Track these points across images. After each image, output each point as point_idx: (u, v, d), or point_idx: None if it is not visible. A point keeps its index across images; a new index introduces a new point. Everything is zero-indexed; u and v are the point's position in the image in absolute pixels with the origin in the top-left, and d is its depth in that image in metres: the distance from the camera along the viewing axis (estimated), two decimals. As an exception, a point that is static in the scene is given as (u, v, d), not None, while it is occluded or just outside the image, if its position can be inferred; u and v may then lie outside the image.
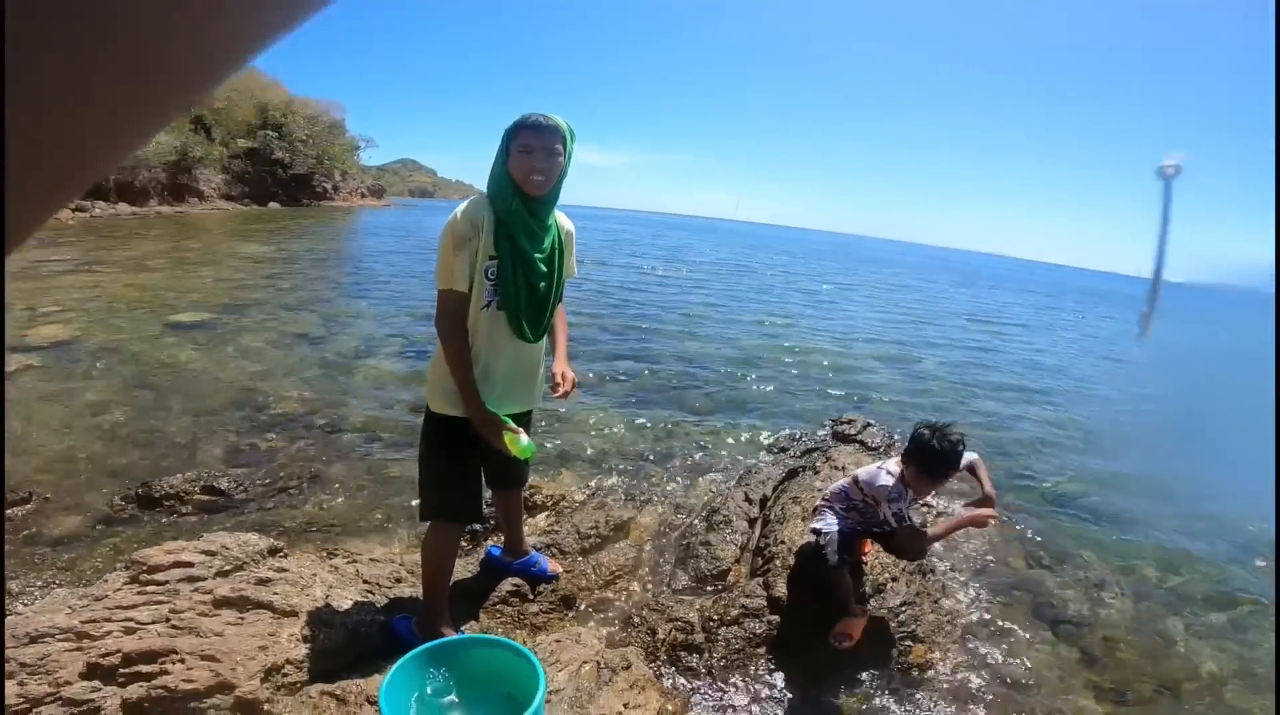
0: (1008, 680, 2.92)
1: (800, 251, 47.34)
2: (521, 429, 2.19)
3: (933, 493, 2.81)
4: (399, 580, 2.93)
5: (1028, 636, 3.26)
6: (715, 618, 2.91)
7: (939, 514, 4.26)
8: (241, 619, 2.27)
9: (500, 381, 2.27)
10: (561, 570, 3.15)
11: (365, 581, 2.84)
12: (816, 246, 61.83)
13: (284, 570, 2.59)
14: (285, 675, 2.16)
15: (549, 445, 4.97)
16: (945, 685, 2.82)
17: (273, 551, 2.80)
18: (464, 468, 2.38)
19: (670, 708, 2.43)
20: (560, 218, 2.33)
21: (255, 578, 2.47)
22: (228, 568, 2.55)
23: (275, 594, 2.40)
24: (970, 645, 3.13)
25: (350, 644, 2.43)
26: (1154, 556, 4.44)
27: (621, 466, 4.75)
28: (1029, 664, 3.05)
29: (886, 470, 2.71)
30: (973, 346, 13.08)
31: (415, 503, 3.00)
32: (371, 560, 3.08)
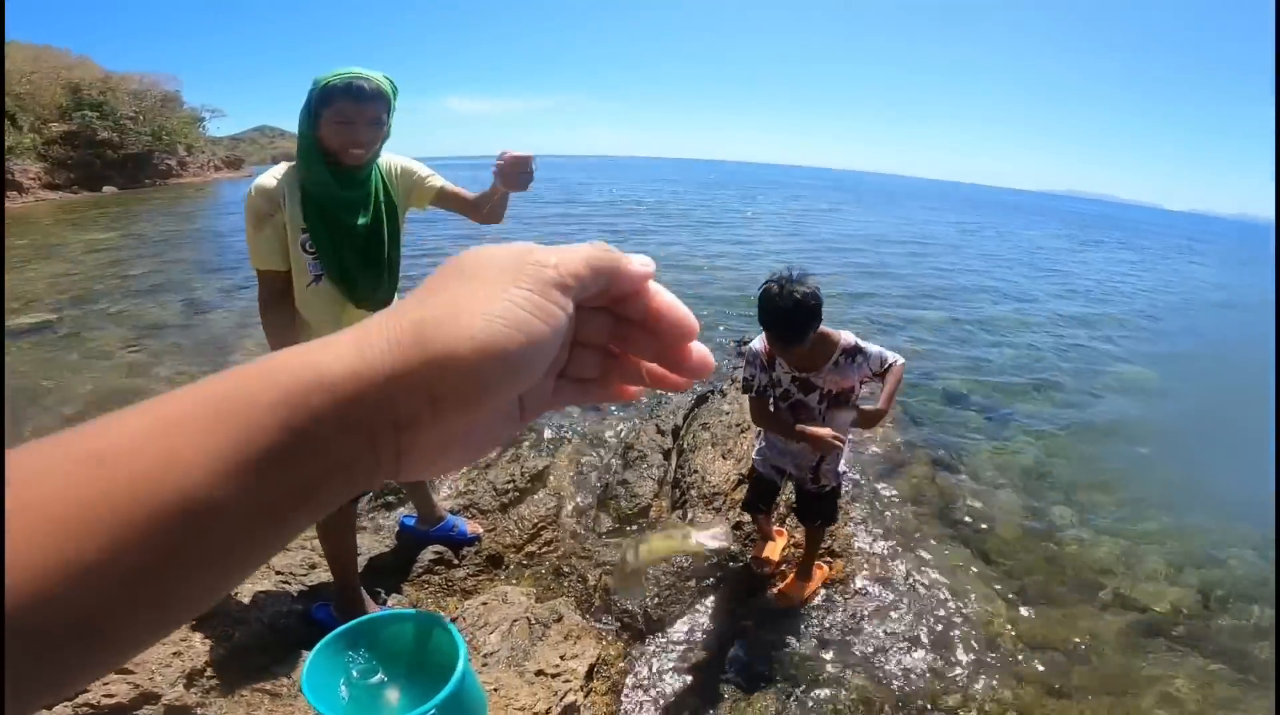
0: (920, 588, 3.07)
1: (706, 182, 47.13)
2: None
3: (834, 369, 2.18)
4: (313, 566, 2.75)
5: (934, 542, 3.44)
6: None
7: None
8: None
9: None
10: (482, 530, 3.06)
11: (278, 573, 2.67)
12: (724, 177, 61.77)
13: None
14: (210, 678, 2.08)
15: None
16: (863, 599, 2.93)
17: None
18: None
19: (612, 652, 2.43)
20: (384, 160, 2.08)
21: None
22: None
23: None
24: (883, 556, 3.26)
25: (272, 638, 2.32)
26: (1042, 447, 4.80)
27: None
28: (938, 570, 3.21)
29: (763, 335, 2.26)
30: (863, 252, 13.62)
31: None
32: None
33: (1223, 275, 19.72)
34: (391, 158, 2.11)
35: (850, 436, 2.47)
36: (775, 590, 2.80)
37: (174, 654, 2.06)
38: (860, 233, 18.93)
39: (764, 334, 2.20)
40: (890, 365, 2.22)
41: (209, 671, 2.09)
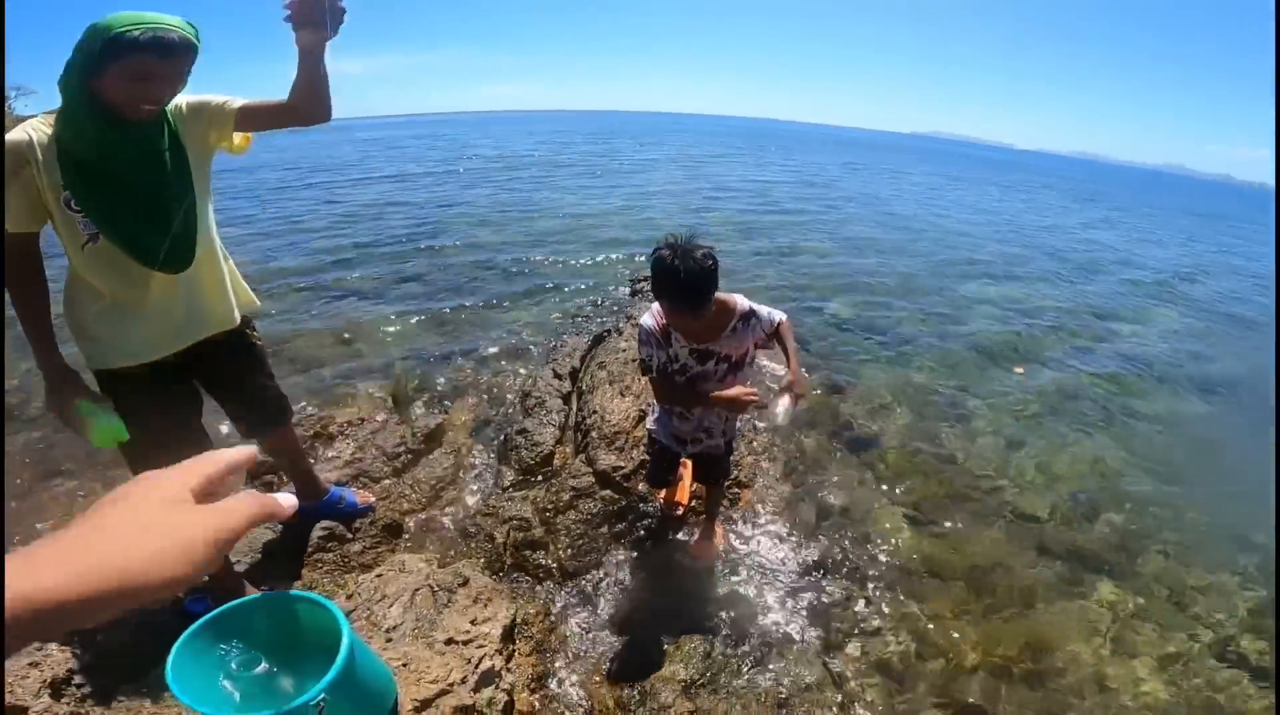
0: (827, 514, 3.14)
1: (597, 134, 45.64)
2: (101, 410, 1.75)
3: (732, 335, 2.05)
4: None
5: (835, 465, 3.53)
6: (549, 507, 2.80)
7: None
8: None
9: (150, 318, 1.83)
10: (374, 499, 2.85)
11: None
12: (617, 127, 60.01)
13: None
14: (79, 686, 1.94)
15: (338, 366, 4.44)
16: (772, 530, 2.96)
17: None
18: (163, 421, 1.92)
19: (531, 610, 2.32)
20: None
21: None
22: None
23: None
24: (787, 483, 3.31)
25: (142, 640, 2.13)
26: (927, 364, 5.01)
27: (422, 371, 4.35)
28: (842, 493, 3.29)
29: (652, 309, 2.08)
30: (754, 193, 13.78)
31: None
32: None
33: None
34: (176, 99, 1.76)
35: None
36: (690, 551, 2.75)
37: (30, 664, 1.90)
38: (757, 178, 19.06)
39: (655, 308, 2.05)
40: (779, 324, 2.14)
41: (76, 680, 1.93)
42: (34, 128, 1.59)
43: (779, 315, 2.15)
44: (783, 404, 2.00)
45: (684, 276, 1.79)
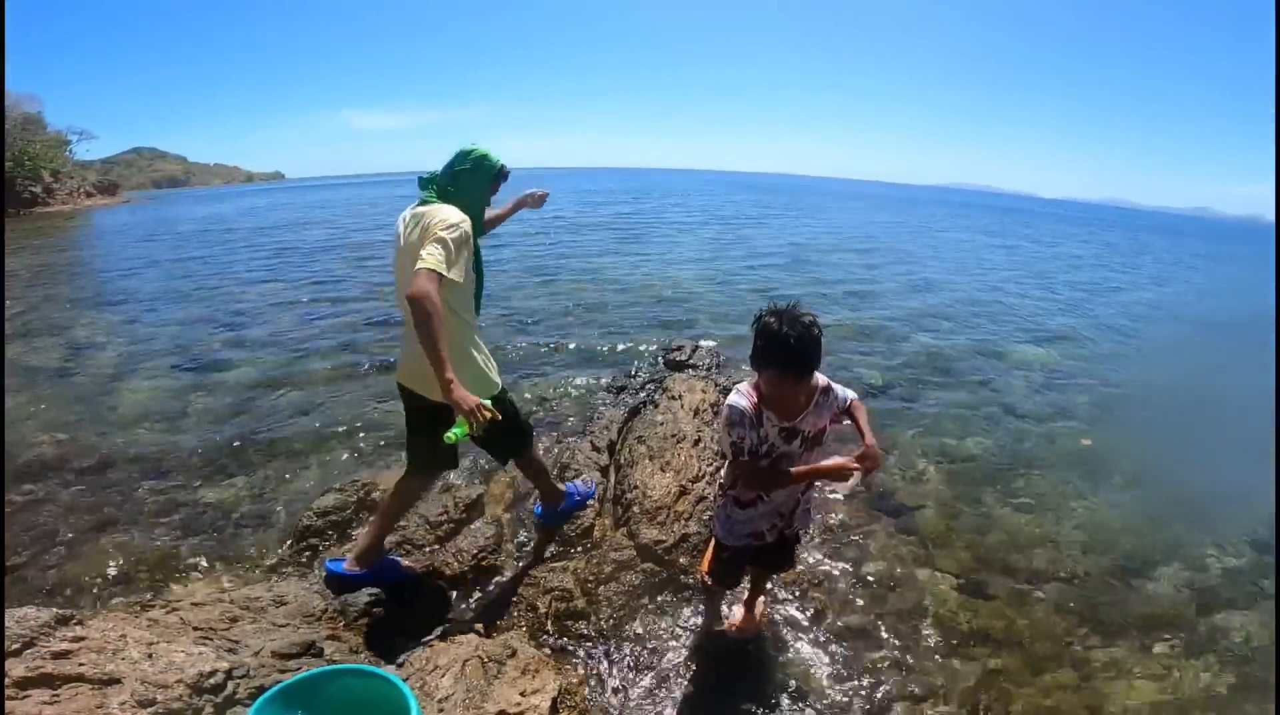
0: (869, 580, 3.14)
1: (617, 193, 46.80)
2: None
3: (814, 410, 2.07)
4: (235, 620, 2.53)
5: (876, 531, 3.53)
6: (591, 578, 2.84)
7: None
8: (57, 696, 1.87)
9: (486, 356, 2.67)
10: (419, 567, 2.91)
11: (196, 629, 2.44)
12: (648, 185, 61.40)
13: (82, 638, 2.14)
14: None
15: (373, 436, 4.56)
16: (817, 600, 2.96)
17: (61, 621, 2.29)
18: (411, 436, 2.76)
19: (574, 680, 2.33)
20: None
21: (50, 652, 2.02)
22: (16, 646, 2.06)
23: (82, 665, 1.98)
24: (830, 552, 3.33)
25: (198, 702, 2.09)
26: (956, 430, 5.01)
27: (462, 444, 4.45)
28: (884, 561, 3.29)
29: (740, 389, 2.07)
30: (783, 254, 13.97)
31: (231, 532, 3.45)
32: (195, 605, 2.64)
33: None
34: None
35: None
36: (732, 624, 2.72)
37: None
38: (797, 239, 19.37)
39: (745, 387, 2.06)
40: (850, 402, 2.20)
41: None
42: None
43: (851, 394, 2.21)
44: (855, 475, 2.05)
45: (795, 342, 1.84)
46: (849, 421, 2.22)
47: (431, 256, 2.21)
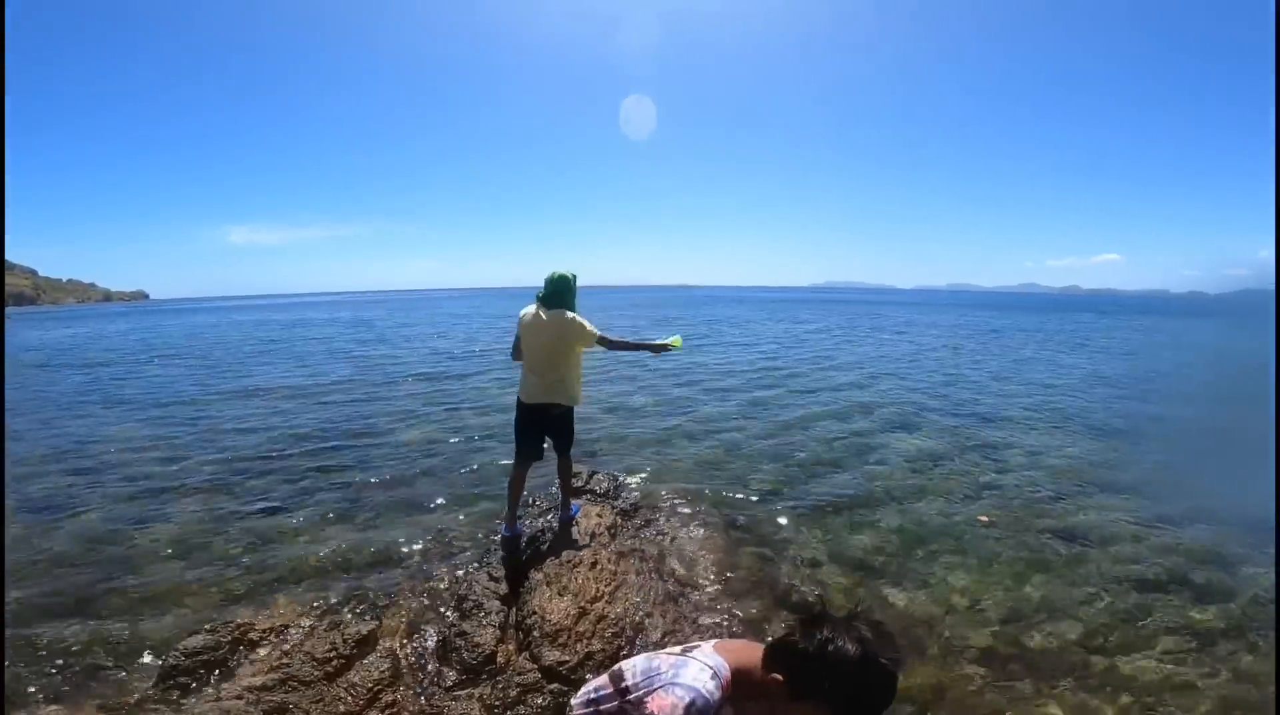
0: None
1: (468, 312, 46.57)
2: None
3: None
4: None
5: (780, 631, 3.65)
6: (498, 703, 2.78)
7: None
8: None
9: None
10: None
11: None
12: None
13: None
14: None
15: (257, 571, 4.27)
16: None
17: None
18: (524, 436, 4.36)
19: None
20: None
21: None
22: None
23: None
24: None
25: None
26: (848, 523, 5.34)
27: (346, 577, 4.27)
28: None
29: (702, 662, 1.48)
30: (671, 370, 14.19)
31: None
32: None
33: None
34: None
35: None
36: None
37: None
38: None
39: (719, 665, 1.47)
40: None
41: None
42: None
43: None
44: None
45: (893, 685, 1.31)
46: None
47: (591, 327, 4.05)
